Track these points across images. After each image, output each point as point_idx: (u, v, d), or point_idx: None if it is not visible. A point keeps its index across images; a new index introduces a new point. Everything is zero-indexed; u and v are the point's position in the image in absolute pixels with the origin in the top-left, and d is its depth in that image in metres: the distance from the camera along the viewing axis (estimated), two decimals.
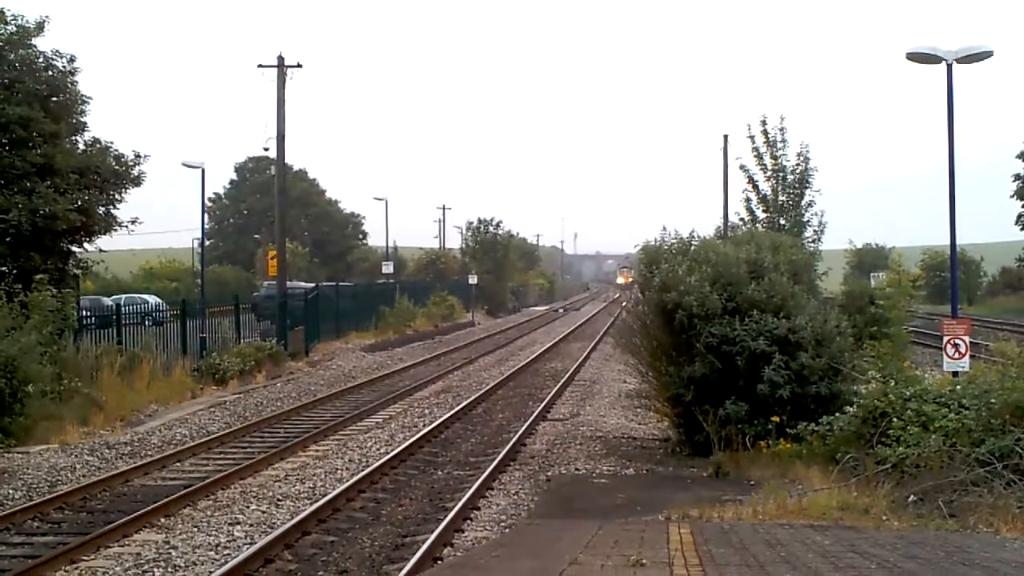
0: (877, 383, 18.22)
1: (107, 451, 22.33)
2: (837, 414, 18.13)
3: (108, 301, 49.03)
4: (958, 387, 17.94)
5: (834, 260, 56.98)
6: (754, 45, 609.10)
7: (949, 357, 21.39)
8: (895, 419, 16.59)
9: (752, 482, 17.53)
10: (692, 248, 22.59)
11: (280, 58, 44.26)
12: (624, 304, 40.75)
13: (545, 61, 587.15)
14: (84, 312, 34.51)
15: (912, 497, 14.92)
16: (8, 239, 31.53)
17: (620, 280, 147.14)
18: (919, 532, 13.19)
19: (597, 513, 15.63)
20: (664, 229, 24.06)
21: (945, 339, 21.56)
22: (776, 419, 19.06)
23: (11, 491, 18.20)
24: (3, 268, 31.38)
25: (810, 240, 37.18)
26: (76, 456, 21.57)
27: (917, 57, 23.04)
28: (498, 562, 12.02)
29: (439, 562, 13.37)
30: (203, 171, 54.11)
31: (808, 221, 38.18)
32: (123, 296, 56.28)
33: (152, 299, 55.88)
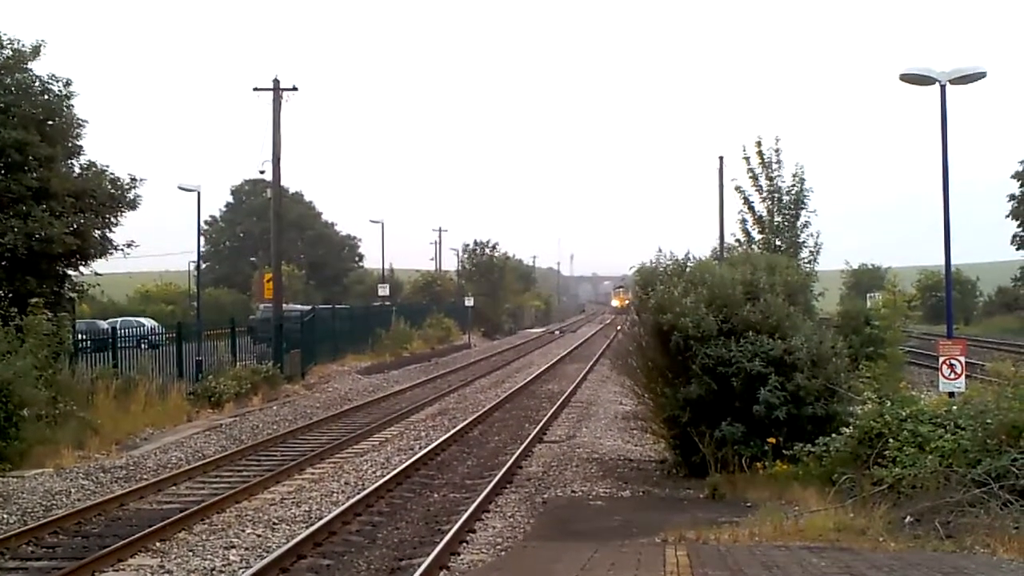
0: (873, 404, 18.20)
1: (102, 475, 22.26)
2: (833, 435, 18.11)
3: (104, 324, 49.07)
4: (954, 407, 17.89)
5: (831, 281, 57.14)
6: (749, 67, 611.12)
7: (945, 377, 21.39)
8: (891, 440, 16.57)
9: (749, 504, 17.51)
10: (688, 269, 22.64)
11: (276, 81, 44.33)
12: (619, 328, 40.56)
13: (541, 83, 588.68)
14: (80, 335, 34.49)
15: (908, 518, 14.88)
16: (3, 263, 31.59)
17: (615, 303, 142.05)
18: (916, 553, 13.17)
19: (593, 535, 15.62)
20: (659, 251, 24.10)
21: (941, 359, 21.57)
22: (772, 440, 19.06)
23: (5, 515, 18.12)
24: None
25: (806, 261, 37.22)
26: (71, 480, 21.50)
27: (910, 78, 23.16)
28: None
29: None
30: (199, 194, 54.37)
31: (804, 242, 38.26)
32: (119, 319, 56.31)
33: (148, 322, 55.90)
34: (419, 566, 13.77)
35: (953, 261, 24.60)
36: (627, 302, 49.76)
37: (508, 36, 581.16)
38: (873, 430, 17.15)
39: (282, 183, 47.69)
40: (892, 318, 29.52)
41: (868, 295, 52.87)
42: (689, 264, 23.23)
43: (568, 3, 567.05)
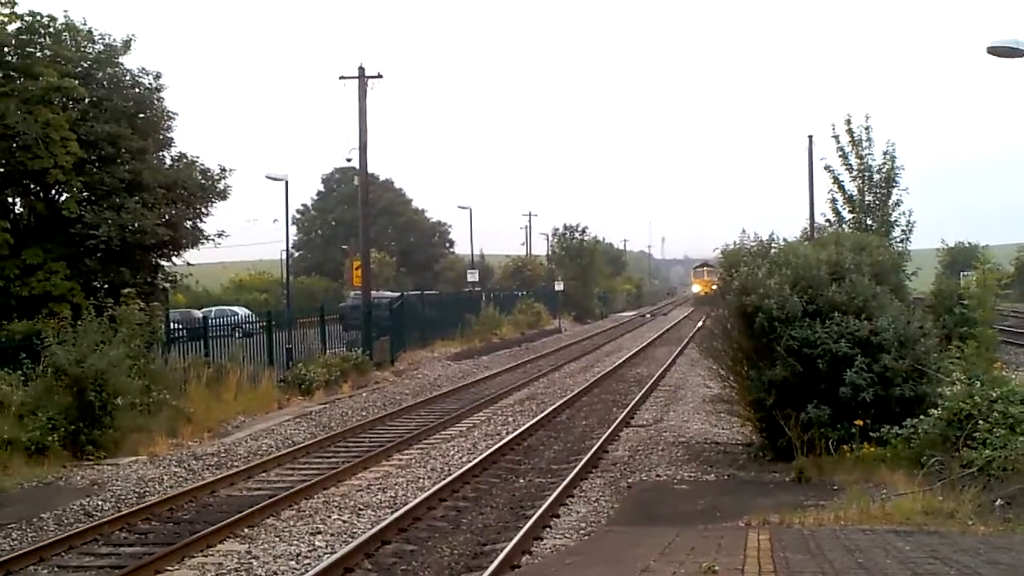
0: (962, 384, 17.86)
1: (194, 462, 22.65)
2: (922, 417, 17.81)
3: (198, 313, 49.91)
4: None
5: (927, 260, 56.05)
6: (837, 42, 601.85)
7: None
8: (981, 421, 16.28)
9: (835, 487, 17.30)
10: (772, 250, 22.39)
11: (361, 69, 44.65)
12: (700, 320, 39.92)
13: (631, 65, 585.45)
14: (174, 324, 35.10)
15: (999, 501, 14.62)
16: (98, 254, 32.26)
17: (696, 288, 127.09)
18: (1005, 537, 12.91)
19: (677, 520, 15.57)
20: (743, 232, 23.87)
21: None
22: (859, 422, 18.77)
23: (100, 502, 18.52)
24: (94, 283, 32.10)
25: (898, 240, 36.65)
26: (164, 467, 21.92)
27: (999, 51, 22.58)
28: (571, 569, 12.01)
29: (516, 569, 13.39)
30: (286, 183, 55.07)
31: (896, 221, 37.67)
32: (213, 308, 57.21)
33: (241, 310, 56.71)
34: (501, 551, 13.82)
35: None
36: (713, 286, 48.39)
37: (596, 15, 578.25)
38: (963, 411, 16.85)
39: (372, 170, 48.35)
40: (983, 297, 28.84)
41: (962, 274, 51.74)
42: (773, 245, 22.99)
43: None
